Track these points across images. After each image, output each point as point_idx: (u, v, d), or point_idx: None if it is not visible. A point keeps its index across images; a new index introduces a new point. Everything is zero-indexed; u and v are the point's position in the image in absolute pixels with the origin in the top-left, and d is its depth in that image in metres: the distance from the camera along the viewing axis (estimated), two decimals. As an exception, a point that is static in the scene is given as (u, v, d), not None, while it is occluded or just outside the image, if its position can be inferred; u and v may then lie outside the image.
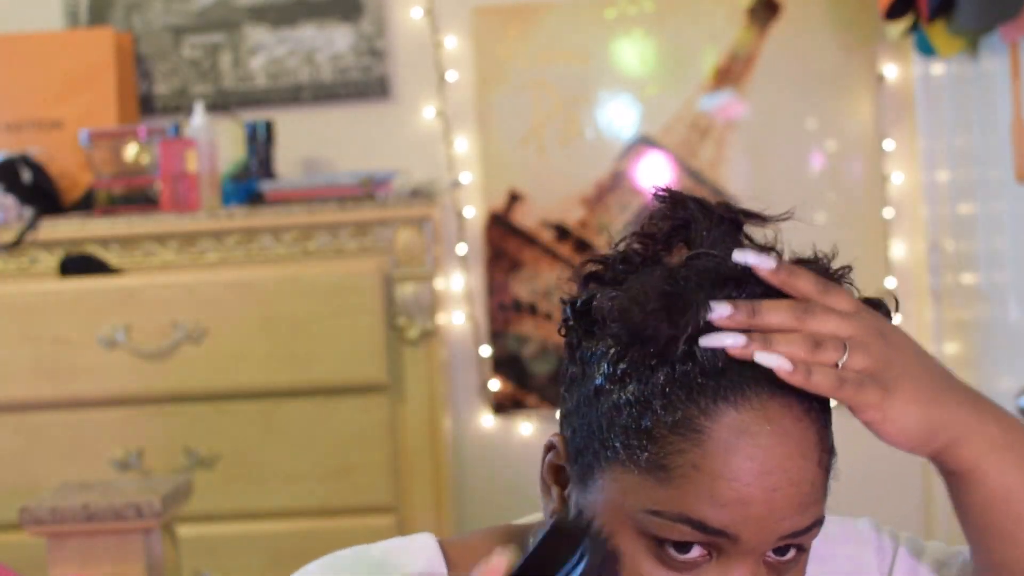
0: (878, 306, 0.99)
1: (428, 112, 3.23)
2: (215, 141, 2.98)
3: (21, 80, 3.13)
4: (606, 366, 0.95)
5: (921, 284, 3.15)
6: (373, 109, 3.25)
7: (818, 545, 1.01)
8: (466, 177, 3.23)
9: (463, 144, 3.23)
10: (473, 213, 3.24)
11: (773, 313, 0.93)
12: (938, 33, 2.67)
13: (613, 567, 0.94)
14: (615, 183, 3.21)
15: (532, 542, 0.91)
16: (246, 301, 2.83)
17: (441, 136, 3.23)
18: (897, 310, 1.01)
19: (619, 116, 3.22)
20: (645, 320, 0.92)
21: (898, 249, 3.17)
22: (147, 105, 3.28)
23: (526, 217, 3.22)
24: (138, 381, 2.83)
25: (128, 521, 2.08)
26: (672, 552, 0.92)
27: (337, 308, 2.81)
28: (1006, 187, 2.59)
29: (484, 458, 3.23)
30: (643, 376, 0.93)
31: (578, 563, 0.87)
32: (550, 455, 1.02)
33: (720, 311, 0.92)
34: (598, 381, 0.96)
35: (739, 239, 0.98)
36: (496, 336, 3.24)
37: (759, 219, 0.99)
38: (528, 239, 3.23)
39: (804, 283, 0.94)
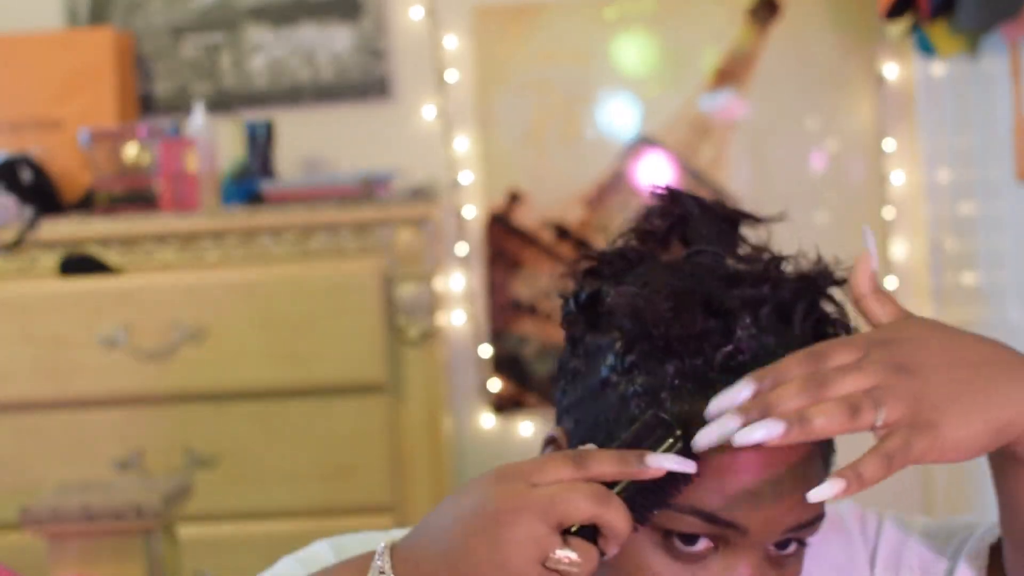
0: (819, 277, 0.97)
1: (428, 112, 3.23)
2: (215, 141, 2.98)
3: (21, 80, 3.13)
4: (613, 359, 0.96)
5: (921, 284, 3.15)
6: (373, 109, 3.25)
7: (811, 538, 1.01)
8: (466, 177, 3.23)
9: (463, 144, 3.23)
10: (473, 213, 3.24)
11: (789, 399, 0.86)
12: (938, 33, 2.67)
13: (617, 557, 0.94)
14: (615, 183, 3.21)
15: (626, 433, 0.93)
16: (246, 301, 2.83)
17: (441, 136, 3.23)
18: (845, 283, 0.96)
19: (619, 116, 3.22)
20: (658, 315, 0.93)
21: (898, 249, 3.17)
22: (147, 105, 3.28)
23: (526, 217, 3.22)
24: (138, 381, 2.83)
25: (128, 521, 2.08)
26: (679, 544, 0.93)
27: (337, 308, 2.81)
28: (1006, 187, 2.59)
29: (484, 458, 3.23)
30: (652, 368, 0.94)
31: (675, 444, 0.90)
32: (550, 448, 1.02)
33: (731, 423, 0.86)
34: (604, 373, 0.96)
35: (735, 238, 0.99)
36: (496, 336, 3.24)
37: (754, 220, 0.99)
38: (528, 239, 3.23)
39: (797, 368, 0.88)
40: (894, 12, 2.79)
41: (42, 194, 3.00)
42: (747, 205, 1.01)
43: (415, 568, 0.90)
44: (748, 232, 1.01)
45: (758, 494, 0.91)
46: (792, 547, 0.96)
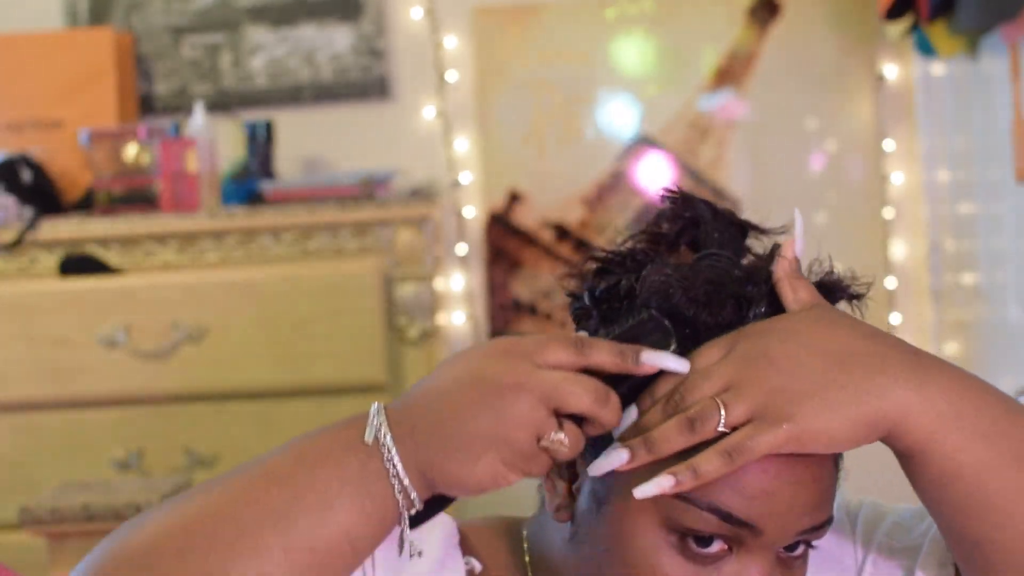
0: (834, 289, 0.98)
1: (428, 112, 3.23)
2: (215, 141, 2.98)
3: (21, 80, 3.13)
4: None
5: (921, 284, 3.15)
6: (373, 109, 3.25)
7: None
8: (466, 177, 3.23)
9: (463, 144, 3.23)
10: (473, 213, 3.24)
11: (664, 433, 0.92)
12: (938, 33, 2.67)
13: (624, 555, 0.94)
14: (615, 183, 3.21)
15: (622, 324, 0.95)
16: (246, 301, 2.83)
17: (441, 136, 3.23)
18: (862, 295, 0.99)
19: (619, 116, 3.22)
20: (692, 298, 0.94)
21: (898, 249, 3.17)
22: (147, 105, 3.28)
23: (526, 217, 3.22)
24: (138, 381, 2.83)
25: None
26: (693, 546, 0.94)
27: (337, 308, 2.81)
28: (1006, 187, 2.60)
29: (484, 458, 3.23)
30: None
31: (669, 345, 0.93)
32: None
33: (620, 456, 0.92)
34: None
35: (743, 247, 0.99)
36: (496, 336, 3.24)
37: (760, 231, 1.00)
38: (528, 239, 3.23)
39: (664, 385, 0.93)
40: (894, 12, 2.79)
41: (42, 194, 3.00)
42: (747, 205, 1.02)
43: (409, 430, 0.90)
44: (753, 243, 1.02)
45: (773, 494, 0.92)
46: (800, 549, 0.96)
